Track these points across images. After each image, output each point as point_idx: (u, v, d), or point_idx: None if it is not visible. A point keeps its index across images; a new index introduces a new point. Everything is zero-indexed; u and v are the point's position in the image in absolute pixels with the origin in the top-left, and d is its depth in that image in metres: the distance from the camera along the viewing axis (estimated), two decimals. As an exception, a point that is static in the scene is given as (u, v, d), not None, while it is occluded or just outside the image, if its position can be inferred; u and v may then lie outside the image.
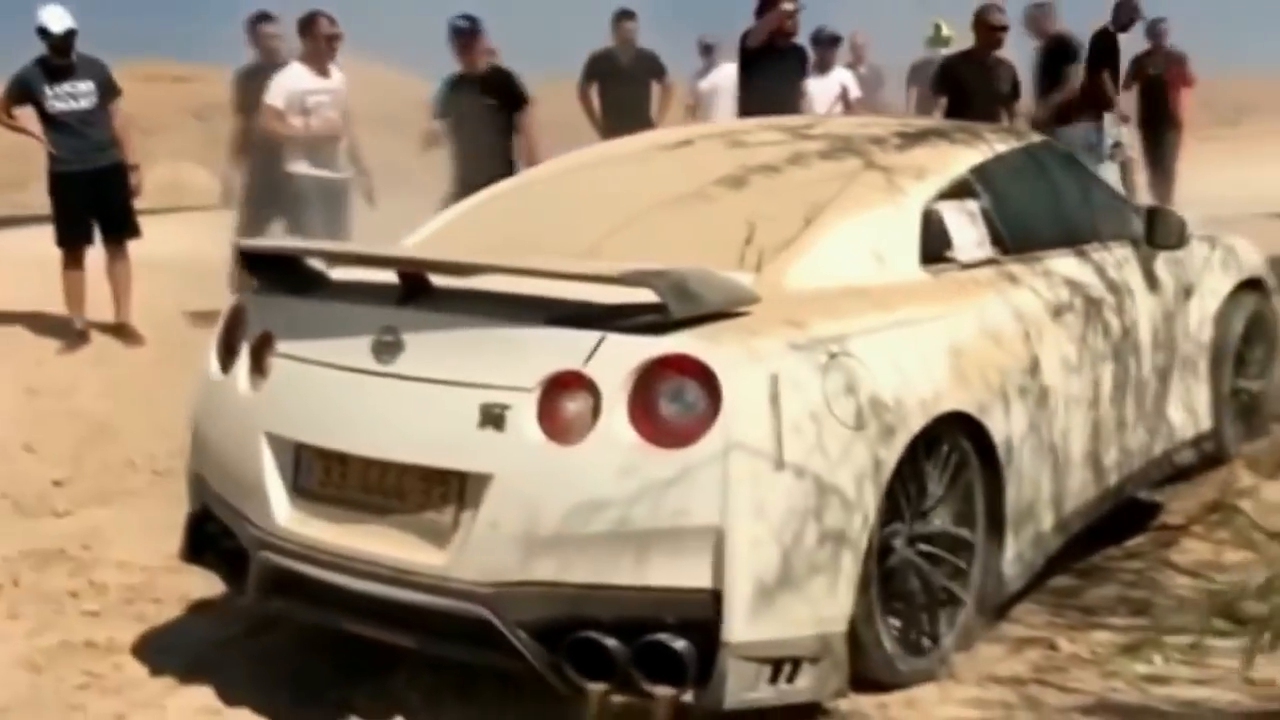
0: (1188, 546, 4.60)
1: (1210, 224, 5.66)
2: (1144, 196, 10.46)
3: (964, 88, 8.54)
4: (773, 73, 8.34)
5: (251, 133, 8.27)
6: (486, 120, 7.97)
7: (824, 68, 10.03)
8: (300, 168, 7.93)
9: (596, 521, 3.10)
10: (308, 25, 8.00)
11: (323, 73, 8.02)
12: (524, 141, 8.13)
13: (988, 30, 8.62)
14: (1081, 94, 9.62)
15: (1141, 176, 10.71)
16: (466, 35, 8.10)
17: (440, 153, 8.33)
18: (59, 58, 7.72)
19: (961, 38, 9.99)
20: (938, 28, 10.44)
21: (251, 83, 8.33)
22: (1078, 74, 9.49)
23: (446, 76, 8.33)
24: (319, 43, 7.98)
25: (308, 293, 3.76)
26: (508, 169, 7.83)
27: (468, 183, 7.54)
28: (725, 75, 10.82)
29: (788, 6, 8.27)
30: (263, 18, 8.39)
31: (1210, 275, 5.18)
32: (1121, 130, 10.27)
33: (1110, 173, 9.32)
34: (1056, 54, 9.60)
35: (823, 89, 9.90)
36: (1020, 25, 9.57)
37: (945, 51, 10.39)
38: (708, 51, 11.09)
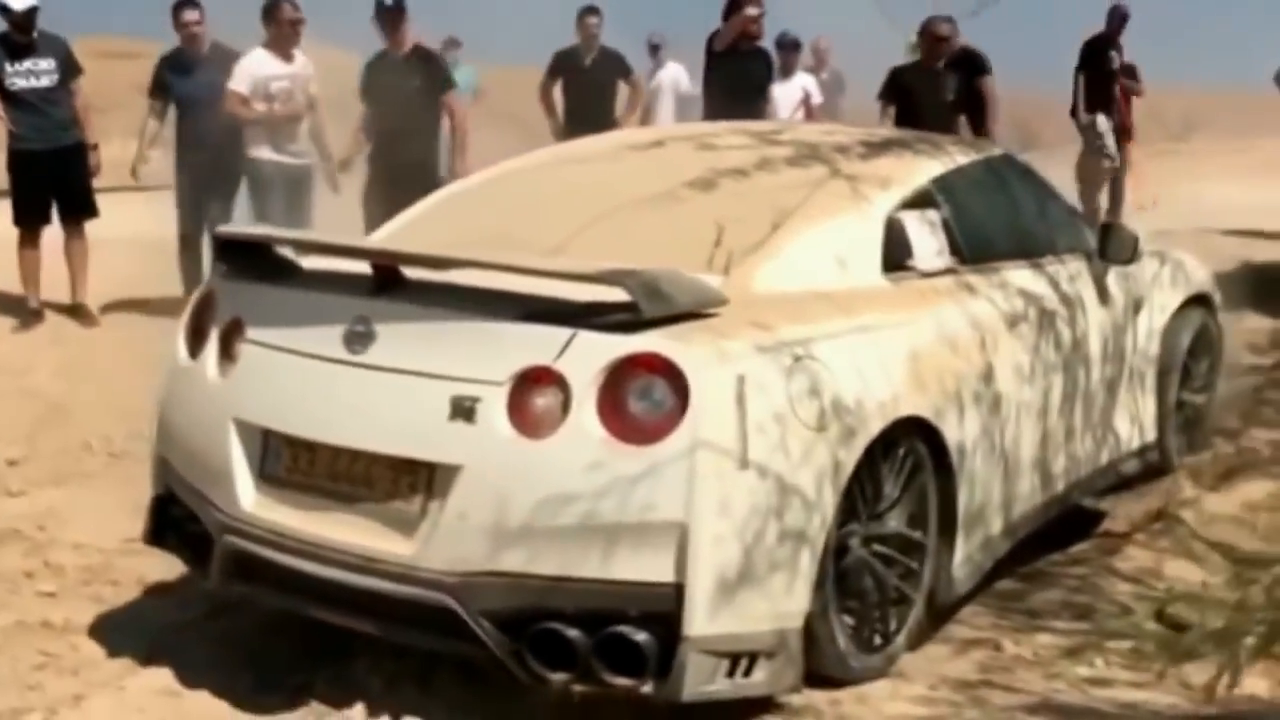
0: (1130, 554, 4.73)
1: (1159, 238, 5.80)
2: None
3: (911, 96, 8.79)
4: (738, 75, 8.42)
5: (163, 117, 8.33)
6: (411, 102, 7.85)
7: (787, 72, 10.12)
8: (263, 153, 7.90)
9: (563, 515, 3.16)
10: (271, 10, 7.98)
11: (286, 58, 8.00)
12: (451, 124, 8.09)
13: (933, 40, 8.92)
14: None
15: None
16: (393, 13, 7.96)
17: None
18: (20, 35, 7.68)
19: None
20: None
21: (170, 69, 8.25)
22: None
23: (369, 57, 8.23)
24: (282, 28, 7.96)
25: (279, 280, 3.79)
26: (432, 153, 7.88)
27: (391, 165, 7.68)
28: (669, 75, 10.95)
29: (752, 10, 8.35)
30: (183, 4, 8.16)
31: (1159, 290, 5.31)
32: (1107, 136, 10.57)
33: None
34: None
35: (785, 94, 10.00)
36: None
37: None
38: (655, 51, 11.18)
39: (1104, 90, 10.85)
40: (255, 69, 7.95)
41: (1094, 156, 10.86)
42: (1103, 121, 10.85)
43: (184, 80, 8.15)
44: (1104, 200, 10.94)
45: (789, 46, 10.17)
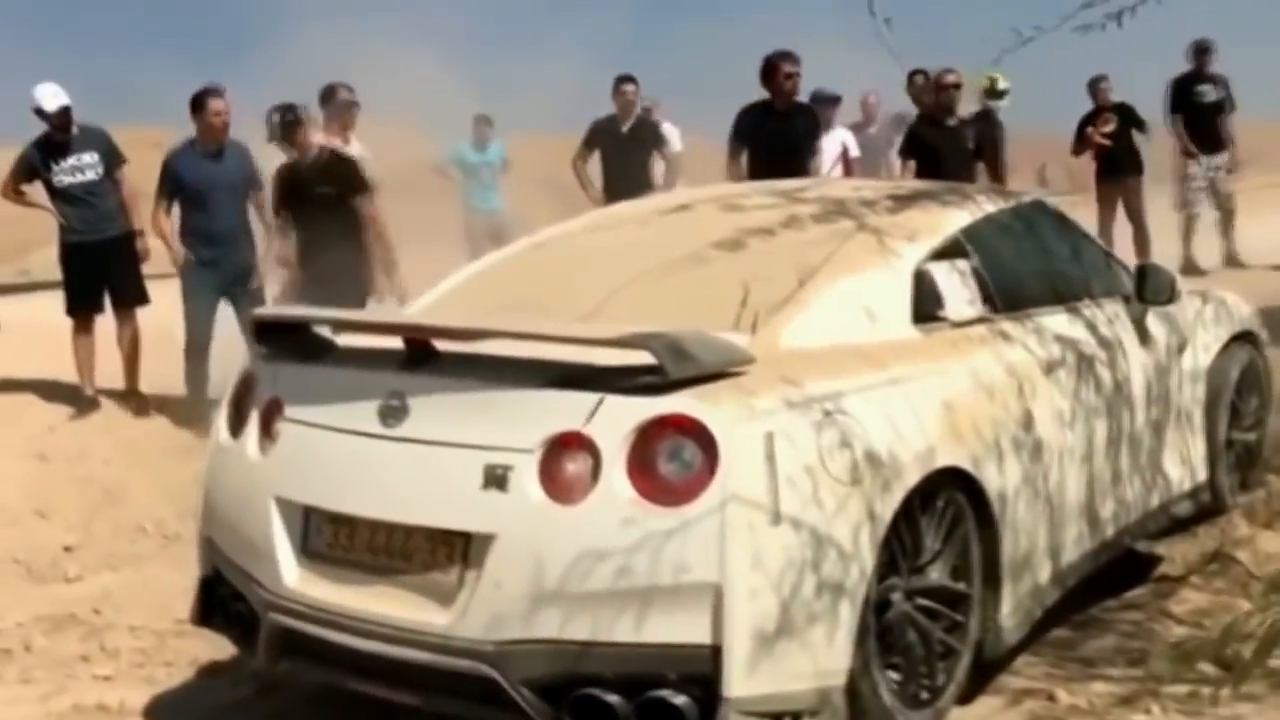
0: (1186, 597, 4.66)
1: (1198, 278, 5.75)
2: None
3: (932, 150, 8.99)
4: (783, 133, 8.38)
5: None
6: (324, 211, 7.39)
7: (825, 126, 10.14)
8: None
9: (598, 579, 3.17)
10: (327, 95, 8.08)
11: (344, 141, 8.09)
12: (370, 232, 7.51)
13: (940, 89, 9.25)
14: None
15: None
16: (290, 127, 7.55)
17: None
18: (59, 134, 7.86)
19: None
20: (993, 80, 10.53)
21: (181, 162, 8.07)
22: None
23: (277, 167, 7.80)
24: (339, 110, 8.05)
25: (315, 359, 3.85)
26: (354, 262, 7.38)
27: (312, 277, 7.29)
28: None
29: (788, 68, 8.38)
30: (211, 94, 7.96)
31: (1202, 329, 5.26)
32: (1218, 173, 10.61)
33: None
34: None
35: (825, 147, 10.03)
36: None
37: (1001, 104, 10.61)
38: (647, 113, 11.27)
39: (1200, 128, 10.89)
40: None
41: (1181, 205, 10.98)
42: (1197, 165, 10.92)
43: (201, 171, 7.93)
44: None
45: (826, 101, 10.21)
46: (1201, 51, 11.02)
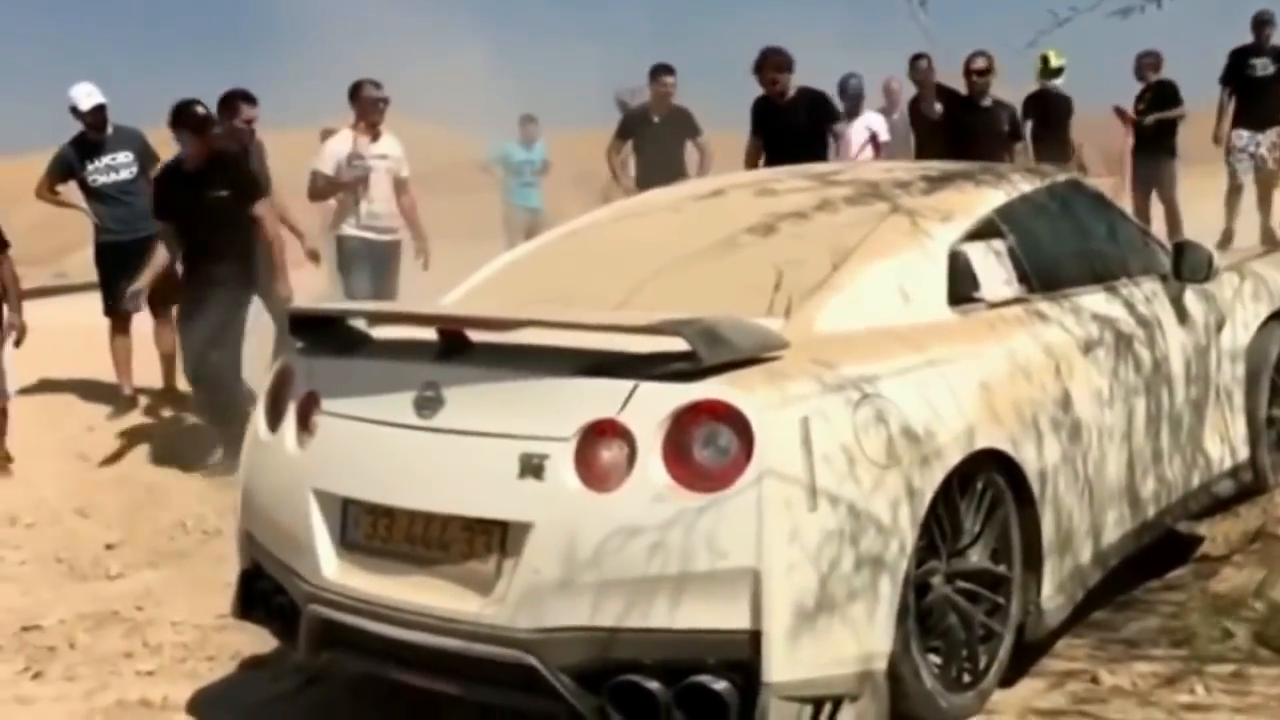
0: (1228, 576, 4.61)
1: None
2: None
3: (966, 132, 9.02)
4: (786, 124, 8.43)
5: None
6: (214, 215, 7.04)
7: (853, 114, 10.15)
8: (349, 229, 8.03)
9: (635, 566, 3.16)
10: (355, 91, 8.11)
11: (372, 137, 8.12)
12: (262, 235, 7.14)
13: (970, 75, 9.36)
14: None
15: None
16: (199, 123, 7.15)
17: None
18: (93, 133, 7.91)
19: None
20: (1045, 59, 10.46)
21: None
22: None
23: (159, 168, 7.59)
24: (366, 107, 8.09)
25: (351, 352, 3.86)
26: (245, 269, 7.10)
27: (200, 283, 7.03)
28: None
29: (771, 74, 8.43)
30: (241, 98, 7.87)
31: (1241, 307, 5.20)
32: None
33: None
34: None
35: (854, 132, 10.04)
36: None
37: (1057, 82, 10.56)
38: (624, 107, 11.26)
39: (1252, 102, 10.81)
40: (340, 149, 8.05)
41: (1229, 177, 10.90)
42: (1242, 137, 10.79)
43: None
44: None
45: (851, 94, 10.22)
46: (1261, 24, 10.82)
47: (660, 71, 9.67)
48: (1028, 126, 10.36)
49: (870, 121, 10.25)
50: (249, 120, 7.82)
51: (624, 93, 11.32)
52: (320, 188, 8.07)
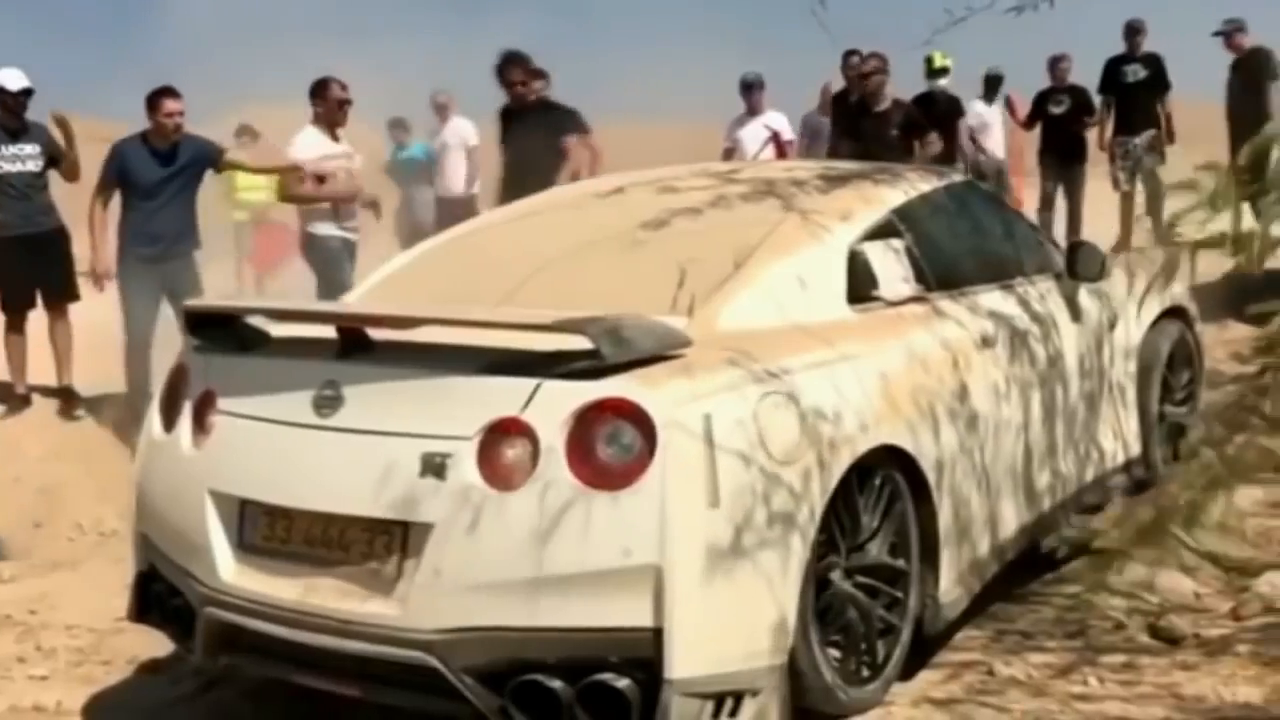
0: (1121, 569, 4.71)
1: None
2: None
3: (858, 137, 9.18)
4: (527, 132, 8.23)
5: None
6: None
7: (752, 112, 10.14)
8: (328, 229, 7.95)
9: (538, 565, 3.16)
10: (320, 89, 7.99)
11: (334, 137, 8.04)
12: None
13: (860, 78, 9.62)
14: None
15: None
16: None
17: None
18: (12, 118, 7.71)
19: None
20: (930, 59, 10.56)
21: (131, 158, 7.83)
22: None
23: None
24: (330, 106, 7.99)
25: (249, 350, 3.81)
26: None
27: None
28: (455, 130, 11.08)
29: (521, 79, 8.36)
30: (165, 93, 7.73)
31: (1134, 304, 5.32)
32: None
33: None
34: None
35: (751, 134, 10.02)
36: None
37: (943, 83, 10.67)
38: (441, 109, 11.37)
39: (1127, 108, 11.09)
40: (310, 147, 7.94)
41: None
42: (1122, 143, 11.04)
43: (151, 169, 7.69)
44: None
45: (750, 85, 10.17)
46: (1132, 32, 11.12)
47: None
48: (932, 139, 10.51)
49: (771, 120, 10.19)
50: (170, 114, 7.66)
51: (440, 95, 11.54)
52: (301, 191, 7.90)
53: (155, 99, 7.66)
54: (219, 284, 10.73)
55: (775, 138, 10.04)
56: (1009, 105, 11.73)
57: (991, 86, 11.80)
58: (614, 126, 10.34)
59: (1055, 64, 11.30)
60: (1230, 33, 10.60)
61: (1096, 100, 11.31)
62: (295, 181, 7.89)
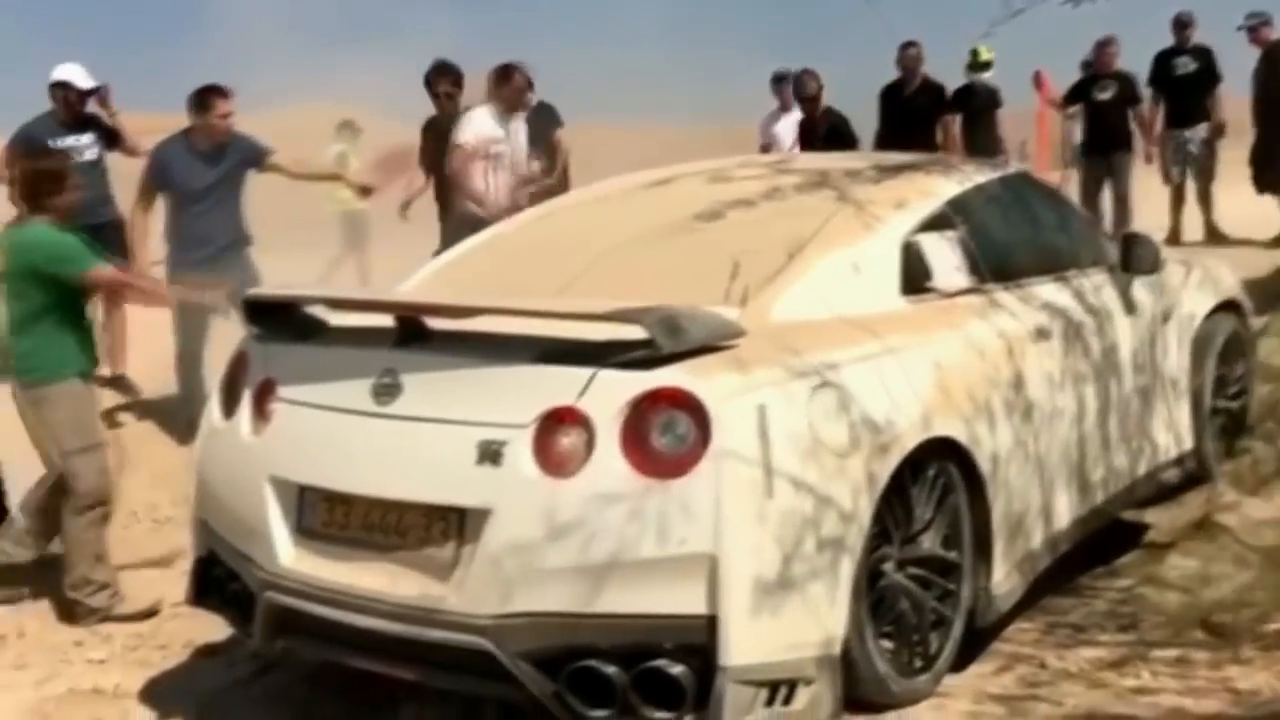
0: (1174, 563, 4.69)
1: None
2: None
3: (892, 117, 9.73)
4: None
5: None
6: None
7: (785, 107, 10.10)
8: (476, 210, 7.59)
9: (593, 552, 3.19)
10: (503, 74, 7.88)
11: (508, 122, 7.88)
12: None
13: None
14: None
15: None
16: None
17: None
18: (70, 113, 7.78)
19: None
20: (975, 53, 10.47)
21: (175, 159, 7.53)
22: None
23: None
24: (513, 92, 7.83)
25: (308, 339, 3.86)
26: None
27: None
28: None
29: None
30: (215, 92, 7.37)
31: (1188, 298, 5.29)
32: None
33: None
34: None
35: (786, 129, 9.97)
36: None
37: (986, 76, 10.61)
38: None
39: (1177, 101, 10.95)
40: (483, 127, 7.75)
41: None
42: (1174, 136, 10.94)
43: (197, 173, 7.31)
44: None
45: (783, 80, 10.13)
46: (1181, 25, 10.99)
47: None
48: (956, 120, 10.47)
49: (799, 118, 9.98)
50: (223, 115, 7.37)
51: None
52: (463, 163, 7.68)
53: (206, 98, 7.35)
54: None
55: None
56: (1037, 82, 11.42)
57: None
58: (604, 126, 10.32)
59: (1102, 48, 10.90)
60: (1255, 26, 10.50)
61: (1145, 90, 11.15)
62: (464, 158, 7.64)
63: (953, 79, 10.61)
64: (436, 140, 8.13)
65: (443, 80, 8.25)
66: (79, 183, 5.81)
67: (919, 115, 9.99)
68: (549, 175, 8.29)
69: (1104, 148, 10.85)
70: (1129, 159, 10.91)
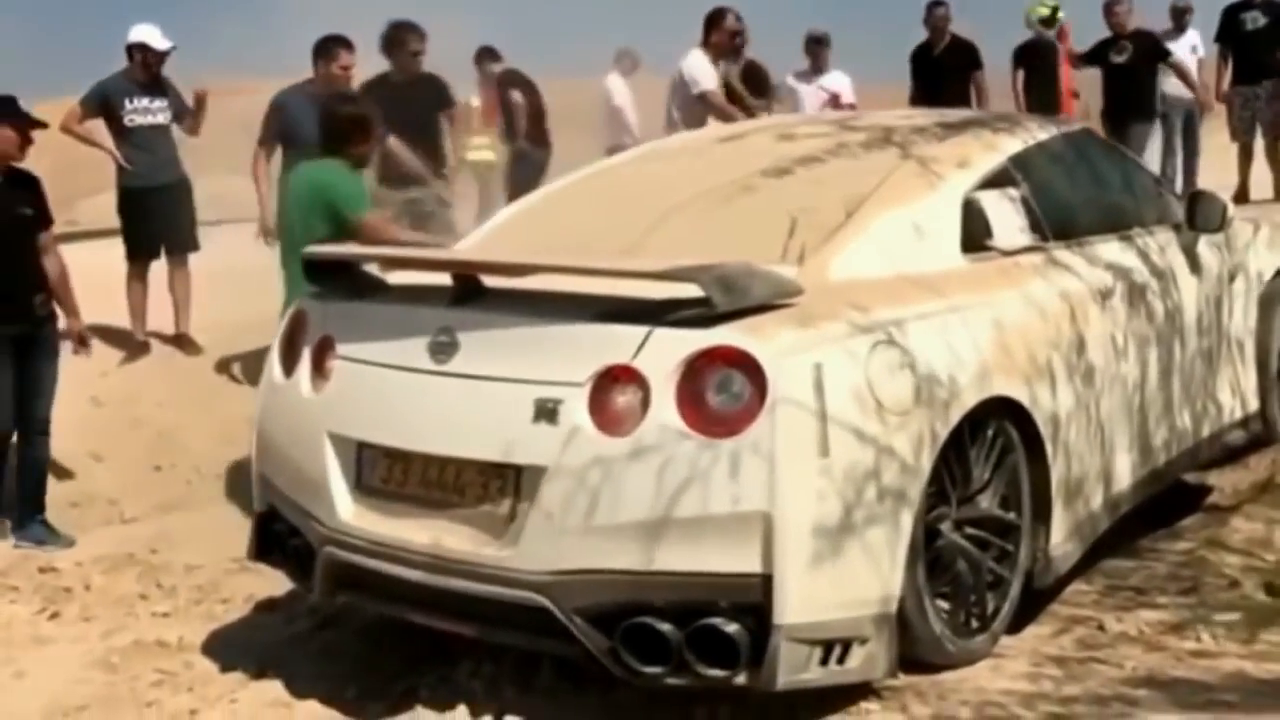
0: (1237, 526, 4.64)
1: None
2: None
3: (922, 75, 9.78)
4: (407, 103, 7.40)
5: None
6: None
7: (817, 69, 9.88)
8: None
9: (648, 510, 3.19)
10: (715, 20, 7.94)
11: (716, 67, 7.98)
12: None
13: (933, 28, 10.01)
14: None
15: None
16: None
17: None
18: (148, 74, 7.84)
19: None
20: (1054, 9, 10.24)
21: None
22: None
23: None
24: (724, 37, 7.95)
25: (366, 296, 3.88)
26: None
27: None
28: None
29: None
30: (338, 42, 7.22)
31: (1255, 257, 5.20)
32: None
33: None
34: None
35: (809, 92, 9.71)
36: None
37: (1048, 32, 10.32)
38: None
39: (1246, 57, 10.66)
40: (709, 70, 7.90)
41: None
42: (1241, 92, 10.67)
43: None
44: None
45: (819, 41, 9.91)
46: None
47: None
48: (1019, 76, 10.26)
49: (831, 81, 9.82)
50: (346, 67, 7.25)
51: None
52: (724, 105, 7.81)
53: (329, 47, 7.18)
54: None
55: (834, 100, 9.65)
56: (1059, 34, 10.60)
57: (1178, 20, 11.18)
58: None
59: (1110, 8, 10.34)
60: None
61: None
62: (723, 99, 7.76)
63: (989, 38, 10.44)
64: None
65: (413, 37, 7.68)
66: (379, 135, 5.83)
67: (949, 74, 9.81)
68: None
69: (1119, 116, 10.24)
70: (1146, 129, 10.32)
